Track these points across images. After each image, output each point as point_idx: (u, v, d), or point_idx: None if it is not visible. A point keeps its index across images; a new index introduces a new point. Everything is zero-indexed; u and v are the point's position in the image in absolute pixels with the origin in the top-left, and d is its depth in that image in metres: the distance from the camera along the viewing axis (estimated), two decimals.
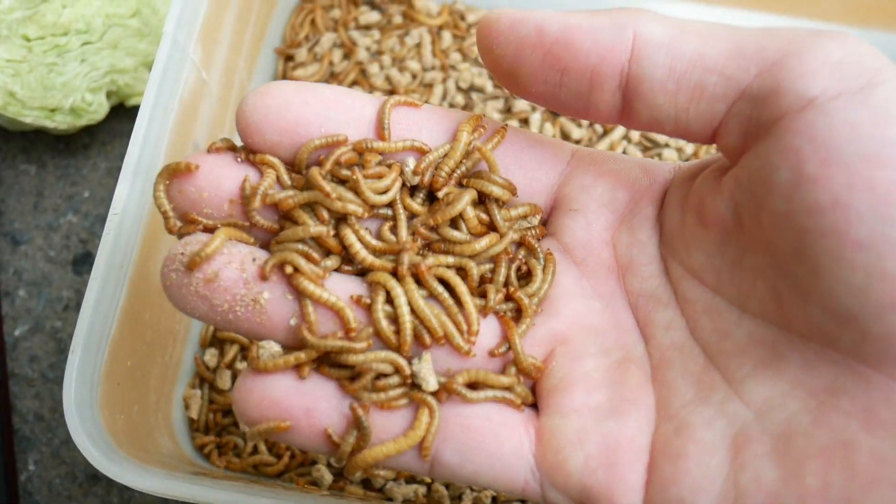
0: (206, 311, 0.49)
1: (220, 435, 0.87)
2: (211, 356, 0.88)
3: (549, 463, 0.49)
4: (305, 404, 0.49)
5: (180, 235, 0.51)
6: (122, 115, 1.01)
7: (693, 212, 0.51)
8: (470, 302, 0.51)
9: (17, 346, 0.94)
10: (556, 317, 0.54)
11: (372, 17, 1.05)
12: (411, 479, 0.85)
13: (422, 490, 0.84)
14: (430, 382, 0.50)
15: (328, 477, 0.84)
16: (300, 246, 0.50)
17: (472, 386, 0.51)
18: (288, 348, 0.50)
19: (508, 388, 0.51)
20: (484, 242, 0.52)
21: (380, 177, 0.52)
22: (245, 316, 0.49)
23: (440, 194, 0.53)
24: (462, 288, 0.52)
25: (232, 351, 0.88)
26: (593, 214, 0.54)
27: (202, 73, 0.78)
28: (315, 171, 0.50)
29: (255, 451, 0.86)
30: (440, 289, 0.51)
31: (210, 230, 0.50)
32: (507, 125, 0.55)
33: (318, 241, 0.51)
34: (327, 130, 0.51)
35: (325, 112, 0.51)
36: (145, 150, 0.70)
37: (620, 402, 0.50)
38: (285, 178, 0.51)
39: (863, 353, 0.43)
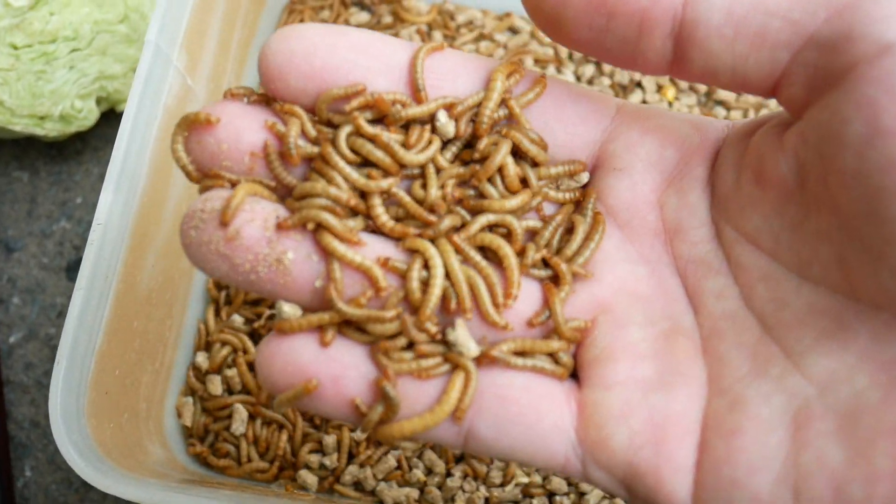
0: (226, 271, 0.46)
1: (214, 443, 0.87)
2: (203, 359, 0.88)
3: (592, 439, 0.47)
4: (333, 372, 0.47)
5: (202, 190, 0.48)
6: (113, 120, 1.01)
7: (750, 171, 0.47)
8: (515, 265, 0.49)
9: (12, 353, 0.94)
10: (599, 283, 0.50)
11: (362, 17, 1.05)
12: (404, 483, 0.85)
13: (413, 494, 0.84)
14: (471, 348, 0.47)
15: (312, 479, 0.84)
16: (324, 202, 0.47)
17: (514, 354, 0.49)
18: (311, 312, 0.48)
19: (554, 354, 0.49)
20: (516, 201, 0.49)
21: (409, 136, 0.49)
22: (267, 276, 0.46)
23: (481, 144, 0.49)
24: (507, 250, 0.49)
25: (221, 353, 0.88)
26: (639, 174, 0.51)
27: (187, 79, 0.78)
28: (329, 151, 0.47)
29: (249, 459, 0.86)
30: (477, 257, 0.48)
31: (233, 185, 0.48)
32: (545, 75, 0.51)
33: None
34: (355, 78, 0.48)
35: (354, 58, 0.48)
36: (128, 160, 0.70)
37: (668, 374, 0.47)
38: (310, 129, 0.48)
39: None
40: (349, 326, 0.47)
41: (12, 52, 0.90)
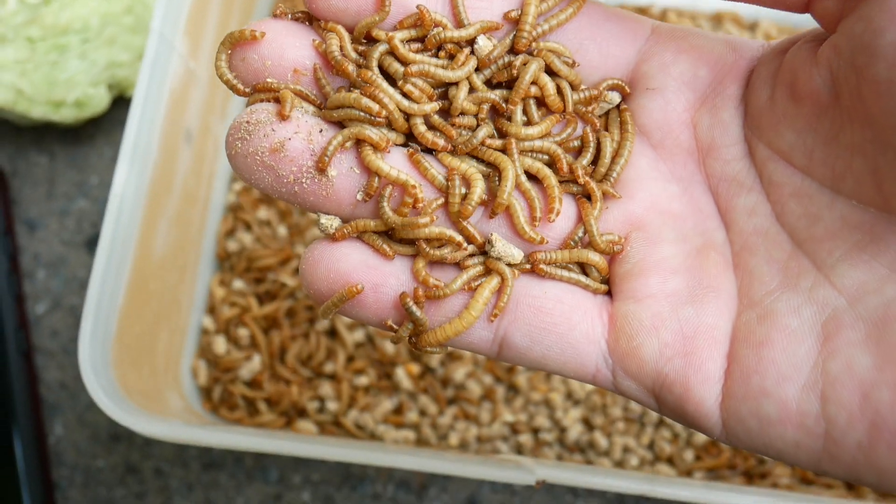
0: (270, 182, 0.47)
1: (226, 398, 0.96)
2: (210, 322, 0.97)
3: (623, 349, 0.48)
4: (373, 279, 0.48)
5: (250, 103, 0.49)
6: (123, 105, 1.09)
7: (785, 87, 0.47)
8: (555, 183, 0.50)
9: (40, 322, 1.03)
10: (631, 200, 0.51)
11: None
12: (400, 426, 0.94)
13: (411, 435, 0.93)
14: (515, 255, 0.49)
15: (311, 428, 0.93)
16: (363, 116, 0.48)
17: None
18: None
19: (593, 266, 0.50)
20: (535, 129, 0.50)
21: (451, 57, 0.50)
22: (311, 188, 0.47)
23: (517, 61, 0.50)
24: (546, 171, 0.50)
25: (226, 315, 0.96)
26: (672, 94, 0.51)
27: (190, 63, 0.86)
28: (370, 75, 0.48)
29: (258, 412, 0.95)
30: (521, 175, 0.50)
31: (279, 100, 0.49)
32: None
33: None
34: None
35: None
36: (140, 138, 0.78)
37: (699, 288, 0.48)
38: (349, 50, 0.49)
39: None
40: (392, 239, 0.49)
41: (28, 44, 0.98)
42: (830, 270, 0.45)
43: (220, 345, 0.96)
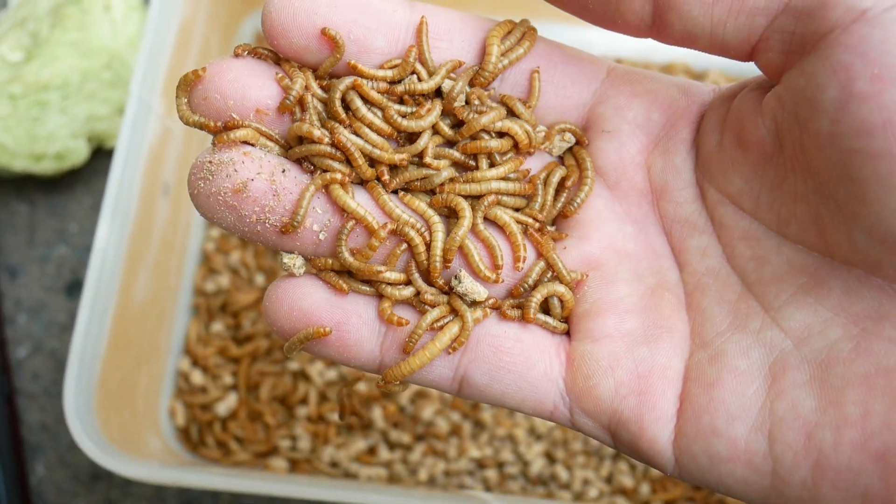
0: (233, 222, 0.47)
1: (203, 436, 1.00)
2: (187, 362, 1.01)
3: (580, 388, 0.49)
4: (336, 318, 0.49)
5: (215, 143, 0.49)
6: (102, 155, 1.14)
7: (732, 134, 0.48)
8: (517, 230, 0.51)
9: (22, 366, 1.07)
10: (588, 241, 0.52)
11: None
12: (372, 464, 0.98)
13: (383, 473, 0.97)
14: (481, 292, 0.50)
15: (282, 465, 0.97)
16: (336, 164, 0.49)
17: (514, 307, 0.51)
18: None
19: (554, 305, 0.51)
20: (495, 172, 0.51)
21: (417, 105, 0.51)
22: (273, 228, 0.48)
23: (474, 103, 0.51)
24: (505, 218, 0.51)
25: (205, 352, 1.01)
26: (627, 137, 0.52)
27: (166, 121, 0.91)
28: (340, 131, 0.48)
29: (231, 452, 0.99)
30: (481, 225, 0.51)
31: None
32: (534, 29, 0.52)
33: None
34: (356, 36, 0.48)
35: (355, 17, 0.48)
36: (120, 194, 0.82)
37: (653, 328, 0.49)
38: (315, 89, 0.49)
39: None
40: (355, 279, 0.50)
41: (11, 101, 1.02)
42: (777, 313, 0.47)
43: (197, 377, 1.00)
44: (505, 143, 0.51)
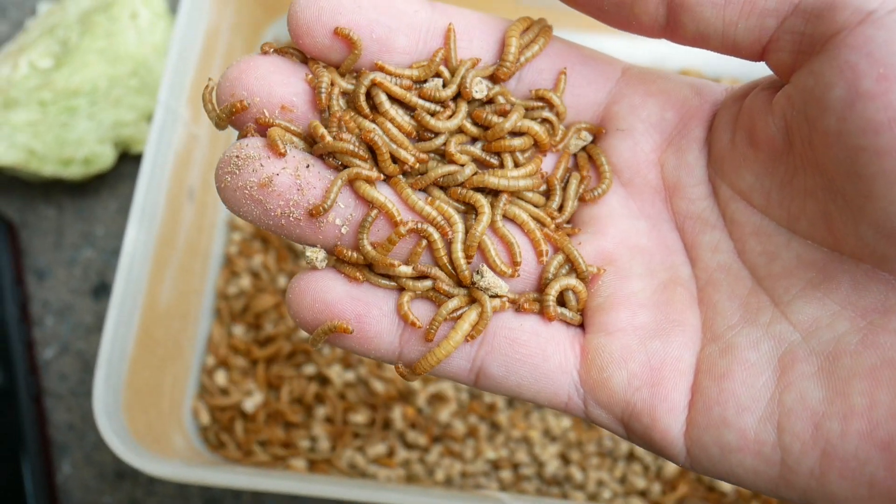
0: (259, 215, 0.49)
1: (222, 432, 1.03)
2: (211, 361, 1.04)
3: (594, 380, 0.50)
4: (357, 310, 0.50)
5: (241, 136, 0.50)
6: (128, 160, 1.16)
7: (743, 131, 0.49)
8: (535, 227, 0.53)
9: (49, 367, 1.09)
10: (603, 236, 0.53)
11: None
12: (391, 466, 1.00)
13: (402, 473, 0.99)
14: (503, 286, 0.51)
15: (302, 465, 0.99)
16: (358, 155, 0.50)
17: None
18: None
19: (570, 298, 0.52)
20: (518, 172, 0.52)
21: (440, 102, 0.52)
22: (297, 221, 0.49)
23: (497, 102, 0.52)
24: (524, 217, 0.53)
25: (227, 352, 1.03)
26: (640, 135, 0.53)
27: (192, 127, 0.93)
28: (371, 128, 0.50)
29: (252, 452, 1.01)
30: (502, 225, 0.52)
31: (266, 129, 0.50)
32: (550, 27, 0.54)
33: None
34: (378, 35, 0.50)
35: (377, 17, 0.50)
36: (147, 200, 0.85)
37: (666, 322, 0.50)
38: (341, 83, 0.51)
39: None
40: (374, 272, 0.51)
41: (40, 107, 1.05)
42: (787, 307, 0.48)
43: (220, 378, 1.03)
44: (527, 142, 0.53)
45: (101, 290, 1.12)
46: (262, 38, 1.13)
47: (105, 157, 1.10)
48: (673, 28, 0.47)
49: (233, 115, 0.49)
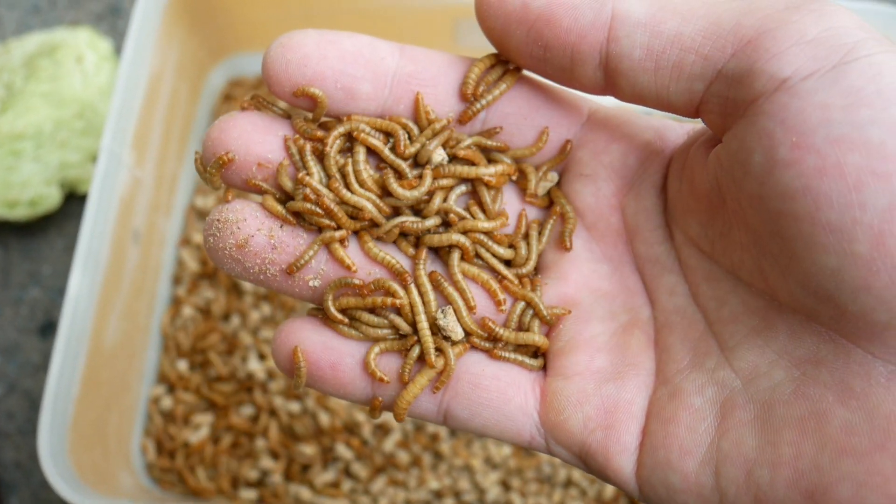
0: (240, 272, 0.52)
1: (172, 470, 1.04)
2: (158, 401, 1.06)
3: (552, 422, 0.52)
4: (332, 359, 0.53)
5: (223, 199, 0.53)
6: (74, 200, 1.18)
7: (687, 183, 0.51)
8: (490, 280, 0.55)
9: None
10: (565, 281, 0.55)
11: None
12: (337, 496, 1.03)
13: (347, 503, 1.02)
14: (458, 332, 0.53)
15: (252, 496, 1.01)
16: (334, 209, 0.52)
17: (493, 342, 0.54)
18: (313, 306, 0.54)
19: (533, 346, 0.54)
20: (488, 225, 0.55)
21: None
22: (274, 276, 0.52)
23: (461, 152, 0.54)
24: (484, 276, 0.55)
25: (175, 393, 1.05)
26: (603, 181, 0.55)
27: (136, 171, 0.96)
28: (326, 202, 0.52)
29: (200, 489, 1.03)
30: (460, 280, 0.54)
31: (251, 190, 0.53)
32: (518, 69, 0.54)
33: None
34: (343, 84, 0.52)
35: (343, 67, 0.52)
36: (92, 243, 0.87)
37: (622, 365, 0.52)
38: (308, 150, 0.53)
39: (842, 328, 0.44)
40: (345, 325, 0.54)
41: None
42: (731, 352, 0.49)
43: (167, 414, 1.05)
44: (500, 243, 0.55)
45: (48, 329, 1.14)
46: (207, 80, 1.16)
47: (51, 199, 1.11)
48: (612, 88, 0.49)
49: (222, 168, 0.52)
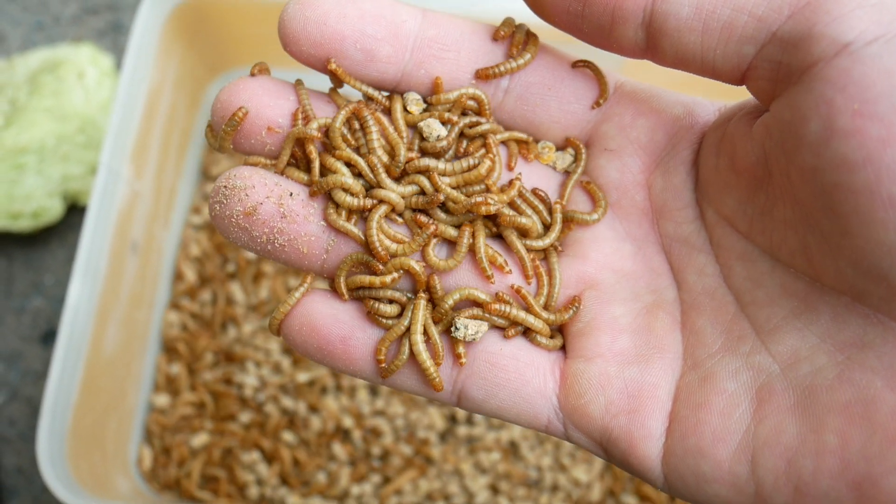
0: (246, 241, 0.50)
1: (169, 474, 1.07)
2: (156, 407, 1.08)
3: (572, 405, 0.50)
4: (342, 333, 0.51)
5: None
6: (76, 212, 1.21)
7: (726, 157, 0.48)
8: (526, 256, 0.53)
9: None
10: (585, 260, 0.53)
11: None
12: (330, 499, 1.05)
13: None
14: (481, 331, 0.51)
15: (247, 501, 1.04)
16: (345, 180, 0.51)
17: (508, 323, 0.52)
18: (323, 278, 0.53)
19: (546, 323, 0.52)
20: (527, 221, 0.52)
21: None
22: (282, 247, 0.50)
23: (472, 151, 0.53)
24: (518, 245, 0.53)
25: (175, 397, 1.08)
26: (629, 157, 0.52)
27: (135, 184, 0.99)
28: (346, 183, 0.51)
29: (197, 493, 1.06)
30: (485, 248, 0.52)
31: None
32: (537, 38, 0.53)
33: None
34: (363, 46, 0.50)
35: (362, 27, 0.49)
36: (91, 255, 0.90)
37: (646, 348, 0.50)
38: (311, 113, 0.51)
39: (893, 309, 0.42)
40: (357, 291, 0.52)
41: None
42: (768, 336, 0.47)
43: (164, 421, 1.07)
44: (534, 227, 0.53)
45: (50, 337, 1.17)
46: (205, 94, 1.19)
47: (53, 211, 1.14)
48: (652, 51, 0.47)
49: (237, 126, 0.50)
